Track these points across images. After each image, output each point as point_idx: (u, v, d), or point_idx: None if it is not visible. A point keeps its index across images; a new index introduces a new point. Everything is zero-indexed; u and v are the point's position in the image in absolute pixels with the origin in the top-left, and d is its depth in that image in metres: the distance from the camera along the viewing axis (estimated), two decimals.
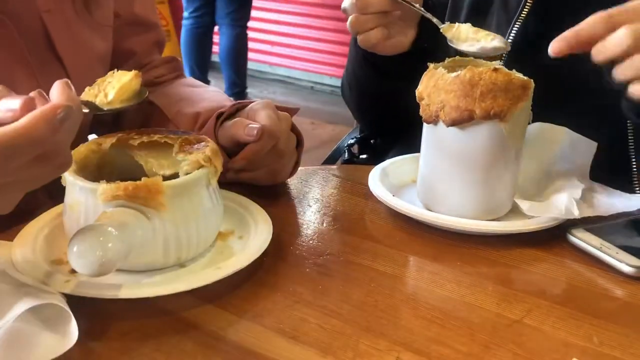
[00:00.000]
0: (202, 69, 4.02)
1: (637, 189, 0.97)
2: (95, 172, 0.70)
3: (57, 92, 0.54)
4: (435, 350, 0.58)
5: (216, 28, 4.05)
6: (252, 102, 0.84)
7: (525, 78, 0.75)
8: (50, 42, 0.84)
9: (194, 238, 0.66)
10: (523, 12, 0.95)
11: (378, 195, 0.83)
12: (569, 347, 0.59)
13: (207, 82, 3.81)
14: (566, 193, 0.77)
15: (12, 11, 0.80)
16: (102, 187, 0.62)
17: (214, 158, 0.68)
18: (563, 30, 0.69)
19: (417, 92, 0.79)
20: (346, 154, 1.25)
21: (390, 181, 0.88)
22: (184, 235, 0.65)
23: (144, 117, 0.95)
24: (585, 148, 0.85)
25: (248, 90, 4.25)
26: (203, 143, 0.70)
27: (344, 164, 1.23)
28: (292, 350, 0.57)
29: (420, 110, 0.78)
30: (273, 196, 0.86)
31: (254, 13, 4.22)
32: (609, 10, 0.67)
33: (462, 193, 0.78)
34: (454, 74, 0.75)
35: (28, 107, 0.52)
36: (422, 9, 0.87)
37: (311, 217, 0.83)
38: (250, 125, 0.77)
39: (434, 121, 0.77)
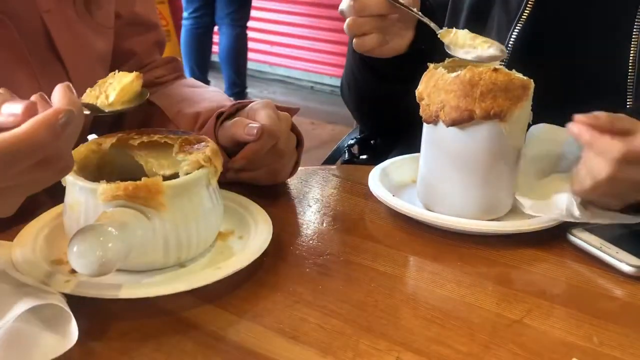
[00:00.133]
0: (202, 69, 4.02)
1: None
2: (95, 172, 0.70)
3: (59, 96, 0.54)
4: (435, 350, 0.58)
5: (216, 28, 4.05)
6: (252, 102, 0.84)
7: (525, 78, 0.75)
8: (50, 42, 0.84)
9: (194, 238, 0.66)
10: (524, 14, 0.95)
11: (378, 195, 0.83)
12: (569, 347, 0.59)
13: (207, 82, 3.80)
14: (567, 193, 0.77)
15: (12, 11, 0.80)
16: (102, 187, 0.62)
17: (214, 158, 0.68)
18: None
19: (417, 92, 0.79)
20: (346, 154, 1.24)
21: (390, 181, 0.88)
22: (184, 235, 0.65)
23: (144, 118, 0.95)
24: None
25: (248, 90, 4.25)
26: (203, 143, 0.70)
27: (343, 164, 1.22)
28: (292, 350, 0.57)
29: (420, 110, 0.78)
30: (273, 196, 0.86)
31: (253, 13, 4.22)
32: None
33: (462, 193, 0.78)
34: (454, 74, 0.75)
35: (30, 111, 0.52)
36: (419, 13, 0.86)
37: (311, 217, 0.83)
38: (250, 124, 0.77)
39: (434, 121, 0.77)
